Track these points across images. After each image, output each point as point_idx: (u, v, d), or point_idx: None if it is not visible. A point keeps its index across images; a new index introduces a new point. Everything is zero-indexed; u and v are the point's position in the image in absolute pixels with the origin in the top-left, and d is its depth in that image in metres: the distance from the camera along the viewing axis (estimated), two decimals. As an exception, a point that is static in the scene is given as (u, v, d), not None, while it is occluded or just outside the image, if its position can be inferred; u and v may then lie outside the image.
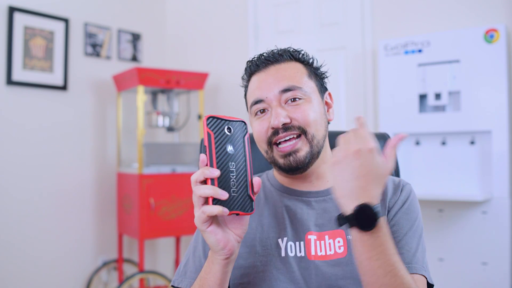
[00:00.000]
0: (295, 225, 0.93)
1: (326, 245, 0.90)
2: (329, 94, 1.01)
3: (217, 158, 0.72)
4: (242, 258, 0.91)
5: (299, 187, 0.96)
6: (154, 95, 3.03)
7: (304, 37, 2.80)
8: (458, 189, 2.19)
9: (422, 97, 2.29)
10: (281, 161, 0.91)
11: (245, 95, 1.01)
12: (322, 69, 1.01)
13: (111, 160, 3.03)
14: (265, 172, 1.06)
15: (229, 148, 0.73)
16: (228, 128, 0.74)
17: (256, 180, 0.75)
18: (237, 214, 0.72)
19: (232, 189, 0.71)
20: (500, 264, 2.07)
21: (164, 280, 2.75)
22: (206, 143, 0.72)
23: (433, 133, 2.27)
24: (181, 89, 2.88)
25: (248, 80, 1.00)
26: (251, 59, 0.99)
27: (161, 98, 3.12)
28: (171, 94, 2.94)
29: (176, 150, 2.99)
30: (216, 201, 0.70)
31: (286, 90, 0.91)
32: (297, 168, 0.91)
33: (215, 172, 0.71)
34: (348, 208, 0.71)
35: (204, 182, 0.72)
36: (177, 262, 3.04)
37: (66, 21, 2.81)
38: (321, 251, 0.89)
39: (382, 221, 0.72)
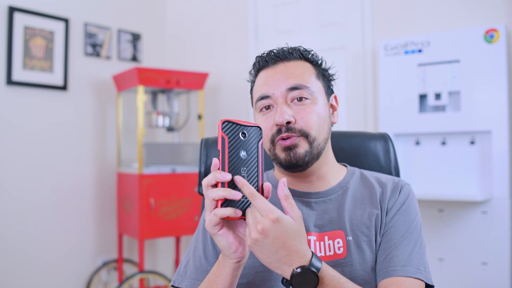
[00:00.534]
0: (295, 225, 0.93)
1: (326, 246, 0.90)
2: (335, 97, 1.00)
3: (229, 163, 0.72)
4: (242, 259, 0.91)
5: (299, 187, 0.96)
6: (154, 95, 3.03)
7: (304, 37, 2.80)
8: (458, 189, 2.19)
9: (422, 97, 2.29)
10: (282, 155, 0.91)
11: (251, 90, 1.00)
12: (330, 71, 1.00)
13: (111, 160, 3.03)
14: (265, 172, 1.06)
15: (242, 153, 0.73)
16: (243, 133, 0.74)
17: (267, 185, 0.75)
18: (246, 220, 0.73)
19: (242, 194, 0.72)
20: (500, 264, 2.07)
21: (164, 280, 2.75)
22: (219, 147, 0.72)
23: (433, 133, 2.27)
24: (181, 89, 2.88)
25: (256, 75, 0.99)
26: (260, 54, 0.98)
27: (161, 98, 3.12)
28: (171, 94, 2.94)
29: (176, 150, 2.99)
30: (227, 205, 0.71)
31: (294, 88, 0.91)
32: (296, 165, 0.90)
33: (227, 176, 0.71)
34: (287, 273, 0.71)
35: (215, 186, 0.72)
36: (177, 262, 3.04)
37: (66, 21, 2.81)
38: (320, 252, 0.89)
39: (324, 269, 0.73)
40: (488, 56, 2.10)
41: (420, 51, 2.27)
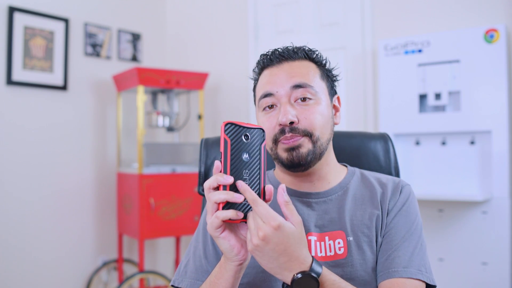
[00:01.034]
0: (295, 225, 0.93)
1: (326, 246, 0.90)
2: (338, 98, 1.00)
3: (231, 165, 0.72)
4: (242, 259, 0.91)
5: (300, 187, 0.96)
6: (154, 95, 3.03)
7: (304, 37, 2.80)
8: (458, 189, 2.19)
9: (422, 97, 2.29)
10: (284, 155, 0.90)
11: (254, 88, 1.00)
12: (334, 72, 1.00)
13: (111, 160, 3.03)
14: (266, 172, 1.06)
15: (245, 156, 0.73)
16: (246, 135, 0.74)
17: (269, 188, 0.75)
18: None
19: (244, 197, 0.72)
20: (500, 264, 2.07)
21: (164, 280, 2.75)
22: (222, 150, 0.72)
23: (433, 133, 2.27)
24: (181, 89, 2.88)
25: (259, 74, 0.98)
26: (265, 53, 0.98)
27: (161, 98, 3.12)
28: (171, 94, 2.94)
29: (176, 150, 2.99)
30: (228, 207, 0.71)
31: (297, 87, 0.90)
32: (299, 165, 0.90)
33: (229, 179, 0.71)
34: (288, 279, 0.72)
35: (217, 188, 0.72)
36: (177, 262, 3.04)
37: (66, 21, 2.81)
38: (321, 252, 0.89)
39: (325, 274, 0.74)
40: (488, 56, 2.10)
41: (420, 51, 2.27)
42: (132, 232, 2.72)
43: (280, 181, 0.99)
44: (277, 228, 0.69)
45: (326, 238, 0.90)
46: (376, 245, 0.90)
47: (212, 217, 0.71)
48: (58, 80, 2.78)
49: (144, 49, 3.26)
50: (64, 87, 2.80)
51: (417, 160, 2.31)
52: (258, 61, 0.98)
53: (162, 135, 3.31)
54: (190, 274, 0.92)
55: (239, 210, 0.71)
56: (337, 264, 0.88)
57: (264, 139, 0.76)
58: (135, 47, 3.20)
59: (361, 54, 2.61)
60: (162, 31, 3.41)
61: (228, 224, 0.74)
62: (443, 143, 2.26)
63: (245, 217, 0.72)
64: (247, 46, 3.03)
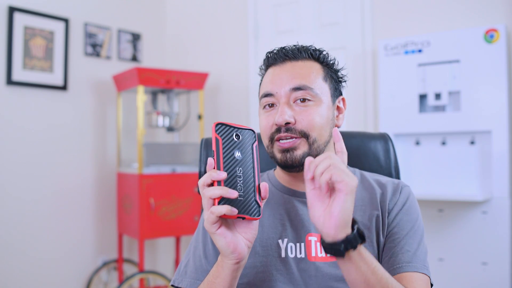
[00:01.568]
0: (296, 226, 0.93)
1: (327, 246, 0.90)
2: (343, 99, 1.00)
3: (224, 162, 0.72)
4: (242, 258, 0.91)
5: (300, 187, 0.96)
6: (154, 95, 3.03)
7: (304, 37, 2.79)
8: (458, 189, 2.18)
9: (422, 97, 2.29)
10: (278, 156, 0.91)
11: (260, 84, 1.01)
12: (342, 73, 1.00)
13: (111, 160, 3.03)
14: (266, 172, 1.06)
15: (237, 154, 0.74)
16: (237, 135, 0.75)
17: (264, 185, 0.75)
18: (243, 218, 0.73)
19: (239, 194, 0.72)
20: (500, 264, 2.07)
21: (164, 280, 2.75)
22: (214, 148, 0.73)
23: (433, 133, 2.27)
24: (181, 89, 2.88)
25: (265, 70, 0.99)
26: (271, 50, 0.98)
27: (161, 98, 3.12)
28: (171, 94, 2.94)
29: (176, 150, 2.99)
30: (223, 203, 0.71)
31: (297, 89, 0.90)
32: (292, 166, 0.90)
33: (222, 174, 0.71)
34: (340, 234, 0.70)
35: (212, 185, 0.72)
36: (177, 262, 3.04)
37: (66, 21, 2.81)
38: (321, 253, 0.89)
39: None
40: (488, 56, 2.10)
41: (420, 51, 2.27)
42: (132, 232, 2.72)
43: (280, 181, 0.99)
44: (355, 187, 0.71)
45: (327, 238, 0.90)
46: (377, 246, 0.90)
47: (208, 213, 0.72)
48: (58, 80, 2.78)
49: (144, 49, 3.26)
50: (64, 87, 2.80)
51: (417, 160, 2.31)
52: (264, 58, 0.99)
53: (162, 135, 3.31)
54: (190, 274, 0.92)
55: (234, 206, 0.71)
56: (337, 265, 0.87)
57: (255, 140, 0.77)
58: (135, 47, 3.20)
59: (361, 54, 2.61)
60: (162, 31, 3.41)
61: (225, 221, 0.74)
62: (443, 143, 2.26)
63: (240, 212, 0.72)
64: (247, 46, 3.03)
